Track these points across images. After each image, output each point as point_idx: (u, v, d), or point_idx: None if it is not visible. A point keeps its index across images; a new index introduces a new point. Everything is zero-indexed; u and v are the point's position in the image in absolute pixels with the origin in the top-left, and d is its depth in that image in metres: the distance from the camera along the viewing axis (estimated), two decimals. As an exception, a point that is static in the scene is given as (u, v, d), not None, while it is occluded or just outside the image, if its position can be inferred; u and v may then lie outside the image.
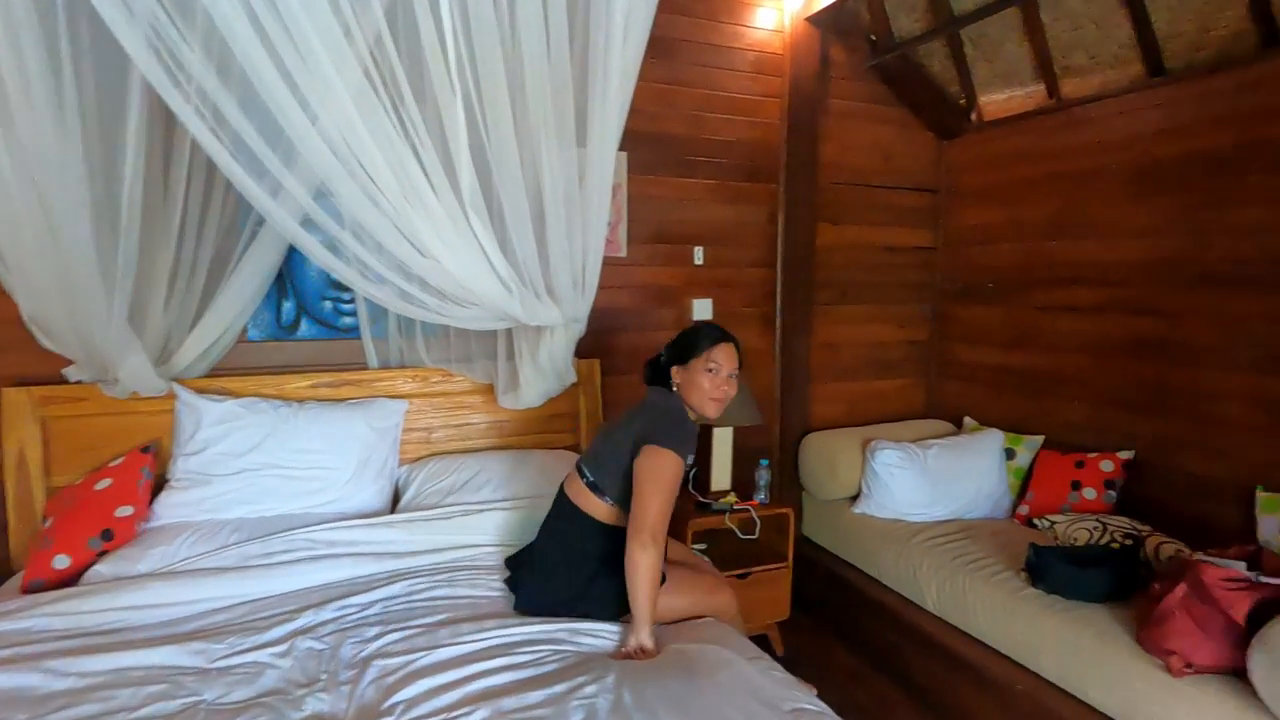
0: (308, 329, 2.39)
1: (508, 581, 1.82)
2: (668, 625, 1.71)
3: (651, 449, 1.60)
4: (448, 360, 2.42)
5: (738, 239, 3.02)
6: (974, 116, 3.14)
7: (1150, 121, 2.47)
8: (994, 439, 2.84)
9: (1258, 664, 1.51)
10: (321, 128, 1.53)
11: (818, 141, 3.03)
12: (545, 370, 2.16)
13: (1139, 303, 2.52)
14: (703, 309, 2.95)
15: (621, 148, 2.68)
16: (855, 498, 2.88)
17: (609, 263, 2.74)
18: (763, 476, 2.72)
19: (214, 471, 2.04)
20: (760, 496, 2.72)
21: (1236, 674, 1.61)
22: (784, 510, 2.67)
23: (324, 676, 1.47)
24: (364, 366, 2.44)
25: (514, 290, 1.76)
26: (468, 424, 2.54)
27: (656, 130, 2.80)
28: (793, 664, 2.56)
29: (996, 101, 3.03)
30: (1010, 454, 2.84)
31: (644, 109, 2.74)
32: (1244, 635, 1.58)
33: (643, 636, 1.57)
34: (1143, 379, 2.52)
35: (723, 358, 1.72)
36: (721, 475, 2.76)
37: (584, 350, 2.69)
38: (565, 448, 2.68)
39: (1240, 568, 1.68)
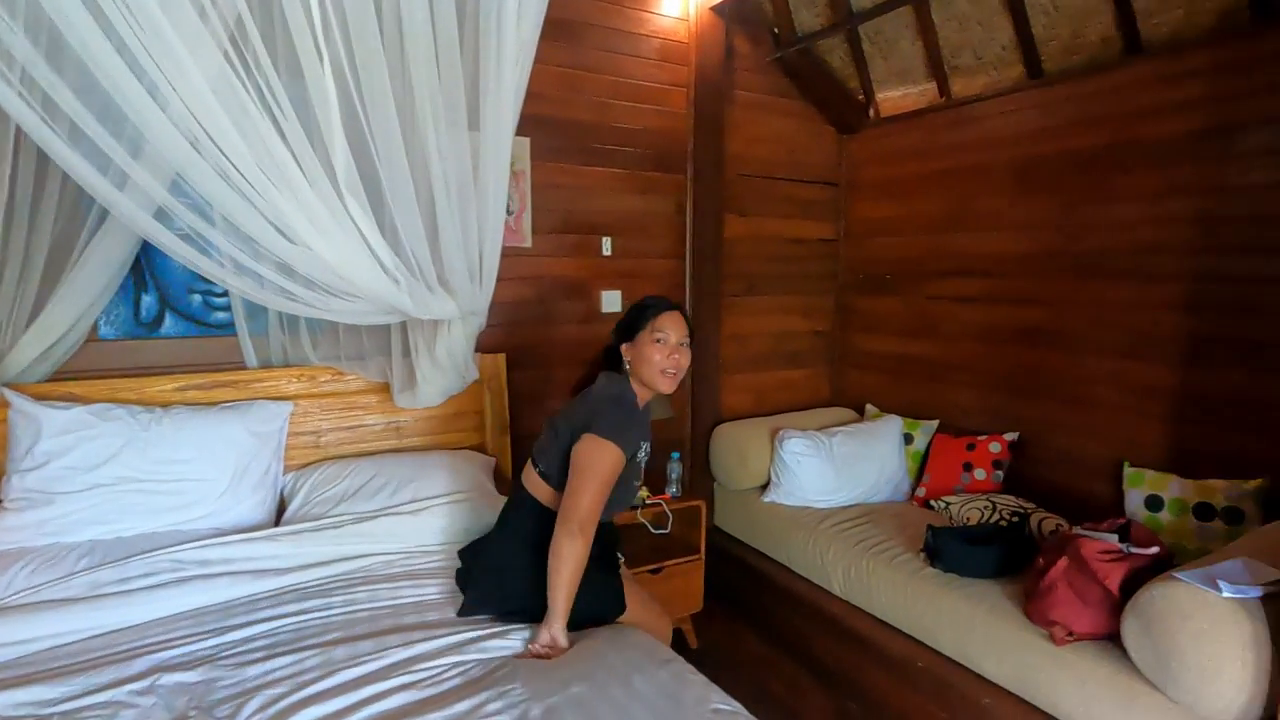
0: (173, 325, 2.15)
1: (458, 576, 1.75)
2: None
3: (589, 438, 1.54)
4: (338, 358, 2.25)
5: (647, 230, 2.98)
6: (872, 113, 3.24)
7: (1030, 121, 2.61)
8: (893, 425, 2.95)
9: (1129, 630, 1.62)
10: (174, 114, 1.34)
11: (724, 132, 3.03)
12: (444, 366, 2.03)
13: (1021, 293, 2.67)
14: (612, 301, 2.89)
15: (524, 133, 2.60)
16: (765, 487, 2.91)
17: (513, 253, 2.64)
18: (674, 470, 2.70)
19: (58, 489, 1.79)
20: (672, 490, 2.70)
21: (1112, 639, 1.72)
22: (696, 503, 2.67)
23: (193, 714, 1.31)
24: (242, 366, 2.23)
25: (401, 281, 1.63)
26: (362, 425, 2.37)
27: (562, 116, 2.70)
28: (707, 656, 2.59)
29: (892, 99, 3.13)
30: (908, 439, 2.95)
31: (547, 94, 2.65)
32: (1118, 604, 1.69)
33: (555, 630, 1.50)
34: (1025, 364, 2.68)
35: (669, 325, 1.64)
36: (633, 470, 2.72)
37: (489, 345, 2.58)
38: (470, 447, 2.56)
39: (1113, 540, 1.80)
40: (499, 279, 2.61)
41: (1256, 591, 1.47)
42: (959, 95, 2.85)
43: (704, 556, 2.68)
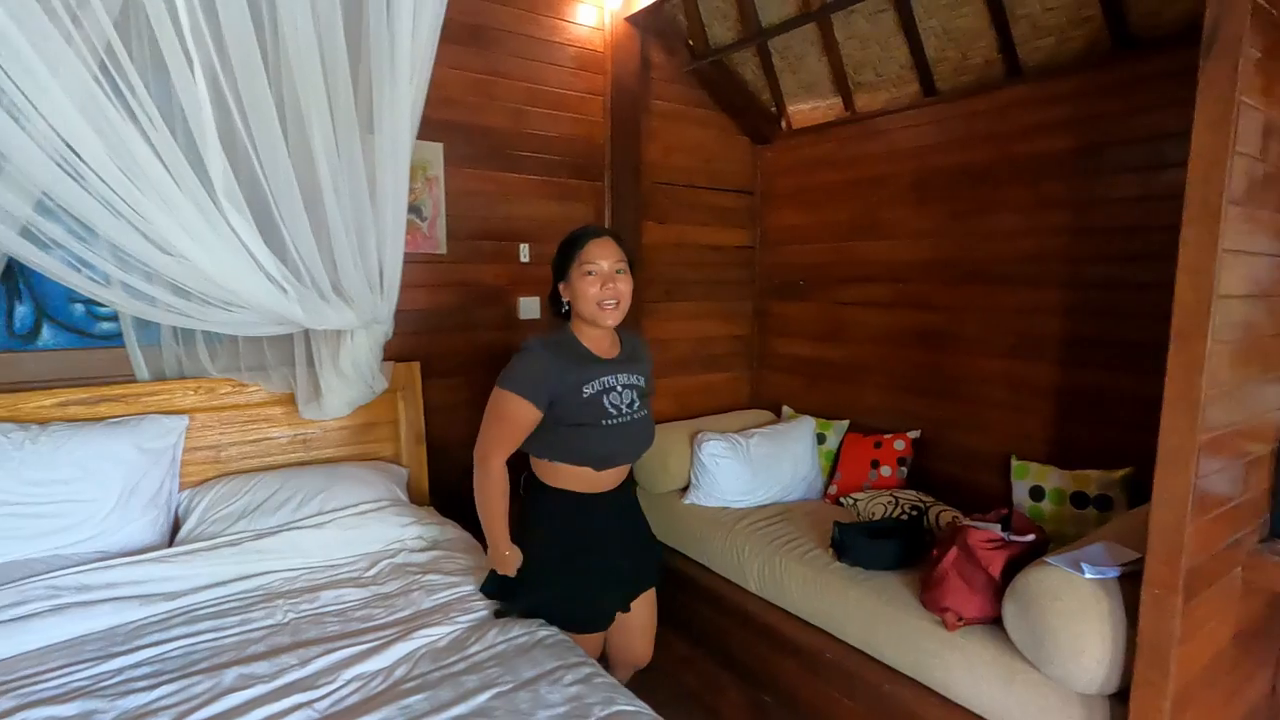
0: (52, 337, 2.01)
1: None
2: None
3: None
4: (238, 369, 2.16)
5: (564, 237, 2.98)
6: (784, 124, 3.35)
7: (926, 136, 2.76)
8: (807, 425, 3.05)
9: (1009, 612, 1.73)
10: (35, 132, 1.27)
11: (641, 141, 3.08)
12: (350, 377, 1.98)
13: (920, 298, 2.82)
14: (530, 308, 2.89)
15: (436, 138, 2.58)
16: (685, 489, 2.96)
17: (427, 260, 2.61)
18: (594, 475, 2.71)
19: (-85, 516, 1.66)
20: (592, 495, 2.71)
21: (996, 623, 1.84)
22: (615, 507, 2.68)
23: (66, 750, 1.24)
24: (132, 379, 2.11)
25: (290, 291, 1.58)
26: (267, 439, 2.28)
27: (477, 122, 2.69)
28: (625, 659, 2.61)
29: (803, 111, 3.25)
30: (821, 438, 3.07)
31: (462, 99, 2.63)
32: (1000, 588, 1.81)
33: (489, 559, 1.66)
34: (925, 365, 2.83)
35: (598, 254, 1.54)
36: (553, 476, 2.71)
37: (403, 353, 2.54)
38: (384, 459, 2.50)
39: (997, 529, 1.93)
40: (413, 286, 2.59)
41: (1115, 571, 1.60)
42: (863, 110, 2.99)
43: (624, 560, 2.70)
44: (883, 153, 2.94)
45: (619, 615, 1.81)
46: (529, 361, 1.56)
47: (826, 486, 2.97)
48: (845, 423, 3.09)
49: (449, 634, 1.60)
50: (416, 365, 2.55)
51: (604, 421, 1.59)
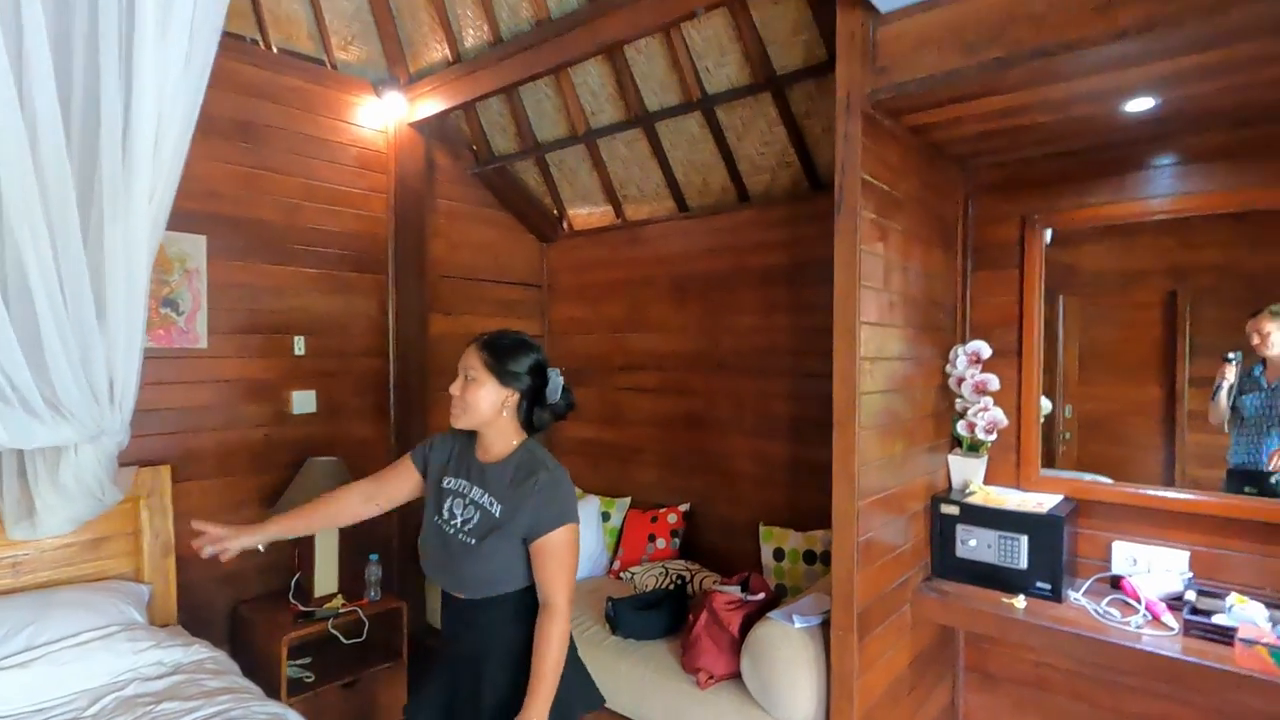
0: None
1: None
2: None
3: None
4: (-80, 486, 1.85)
5: (345, 329, 2.97)
6: (565, 225, 3.67)
7: (681, 245, 3.20)
8: (592, 505, 3.24)
9: (745, 665, 1.99)
10: None
11: (426, 237, 3.20)
12: (71, 492, 1.79)
13: (682, 385, 3.19)
14: (305, 401, 2.80)
15: (200, 231, 2.50)
16: (473, 578, 2.97)
17: (183, 355, 2.47)
18: (373, 573, 2.64)
19: None
20: (371, 594, 2.63)
21: (740, 676, 2.09)
22: (396, 605, 2.63)
23: None
24: None
25: None
26: (-41, 566, 1.96)
27: (244, 215, 2.64)
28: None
29: (581, 215, 3.59)
30: (606, 516, 3.26)
31: (225, 192, 2.59)
32: (740, 645, 2.07)
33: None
34: (690, 445, 3.17)
35: (460, 363, 1.54)
36: (327, 578, 2.60)
37: (150, 455, 2.35)
38: (121, 576, 2.25)
39: (737, 590, 2.21)
40: (163, 383, 2.45)
41: (818, 619, 1.92)
42: (631, 218, 3.39)
43: (407, 660, 2.63)
44: (649, 257, 3.33)
45: None
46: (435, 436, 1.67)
47: (611, 562, 3.15)
48: (627, 500, 3.32)
49: (181, 769, 1.48)
50: (166, 469, 2.35)
51: (434, 517, 1.54)
